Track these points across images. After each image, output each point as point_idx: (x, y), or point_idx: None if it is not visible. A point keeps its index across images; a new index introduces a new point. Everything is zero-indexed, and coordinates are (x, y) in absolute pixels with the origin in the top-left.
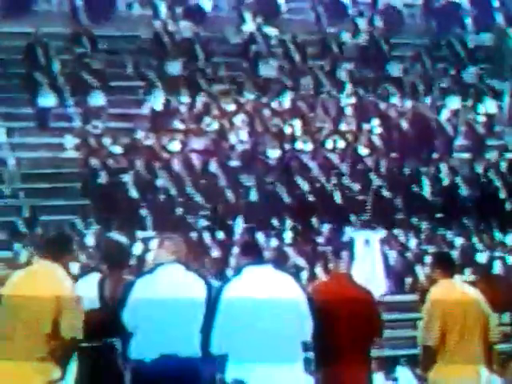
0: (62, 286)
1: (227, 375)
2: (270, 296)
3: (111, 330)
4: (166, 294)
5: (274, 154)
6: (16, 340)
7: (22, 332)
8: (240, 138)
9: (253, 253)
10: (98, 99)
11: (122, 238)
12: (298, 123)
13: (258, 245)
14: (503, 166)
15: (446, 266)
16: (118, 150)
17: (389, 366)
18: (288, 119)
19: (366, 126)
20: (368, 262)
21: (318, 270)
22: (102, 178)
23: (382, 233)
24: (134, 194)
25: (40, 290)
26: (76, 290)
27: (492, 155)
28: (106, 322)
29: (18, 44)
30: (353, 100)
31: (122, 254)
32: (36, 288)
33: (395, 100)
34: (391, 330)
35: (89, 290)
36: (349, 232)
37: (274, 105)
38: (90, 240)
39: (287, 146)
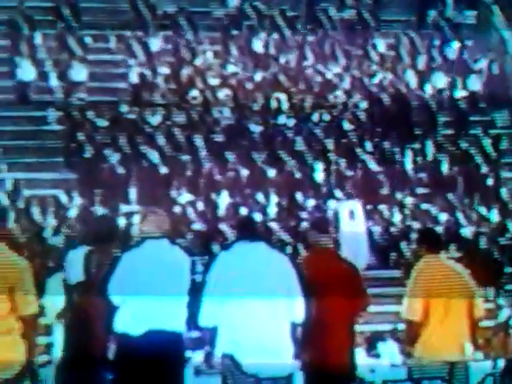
0: (11, 263)
1: (216, 349)
2: (260, 272)
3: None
4: (152, 268)
5: (257, 128)
6: None
7: None
8: (224, 112)
9: (247, 229)
10: (80, 72)
11: (109, 214)
12: (283, 97)
13: (254, 222)
14: (487, 142)
15: (431, 241)
16: (102, 123)
17: (371, 341)
18: (273, 93)
19: (351, 101)
20: (353, 234)
21: (302, 244)
22: (87, 152)
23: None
24: (117, 167)
25: None
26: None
27: (476, 131)
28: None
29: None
30: (339, 74)
31: (111, 230)
32: None
33: (380, 75)
34: (375, 305)
35: (76, 263)
36: (333, 204)
37: (258, 78)
38: (74, 213)
39: (272, 121)
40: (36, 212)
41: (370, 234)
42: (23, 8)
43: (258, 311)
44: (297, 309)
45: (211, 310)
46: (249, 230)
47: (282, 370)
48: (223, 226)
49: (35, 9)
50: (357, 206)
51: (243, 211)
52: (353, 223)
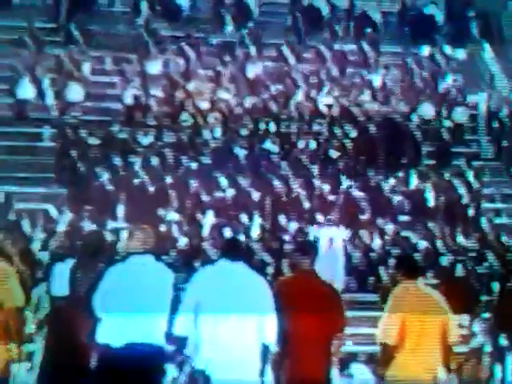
0: None
1: (188, 363)
2: (235, 291)
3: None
4: (136, 283)
5: (243, 151)
6: None
7: None
8: (213, 134)
9: (231, 249)
10: (76, 92)
11: (97, 230)
12: (271, 122)
13: (240, 244)
14: (469, 173)
15: (409, 268)
16: (94, 141)
17: (345, 362)
18: (261, 118)
19: (338, 130)
20: (330, 260)
21: (284, 266)
22: (78, 168)
23: (345, 232)
24: (107, 184)
25: None
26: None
27: (459, 163)
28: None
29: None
30: (329, 101)
31: (98, 245)
32: None
33: (370, 105)
34: (351, 327)
35: (62, 275)
36: (314, 230)
37: (247, 103)
38: (62, 227)
39: (257, 145)
40: (26, 224)
41: (348, 258)
42: (29, 28)
43: (229, 329)
44: (268, 330)
45: (185, 321)
46: (232, 251)
47: None
48: (206, 245)
49: (39, 30)
50: (336, 233)
51: (227, 232)
52: (331, 250)
